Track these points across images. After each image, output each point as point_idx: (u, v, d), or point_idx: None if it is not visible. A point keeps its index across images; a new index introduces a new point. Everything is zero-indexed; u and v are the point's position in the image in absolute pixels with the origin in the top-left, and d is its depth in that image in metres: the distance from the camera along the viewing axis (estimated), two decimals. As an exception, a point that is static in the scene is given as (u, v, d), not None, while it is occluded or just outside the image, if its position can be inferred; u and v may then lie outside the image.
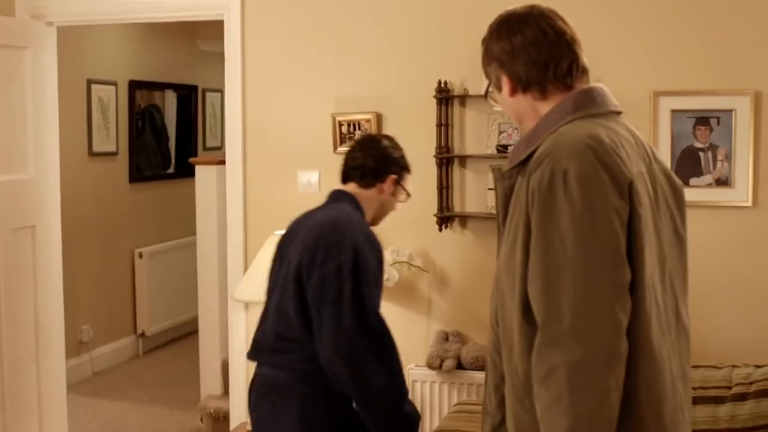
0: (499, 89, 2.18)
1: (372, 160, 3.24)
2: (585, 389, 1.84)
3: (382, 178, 3.23)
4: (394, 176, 3.24)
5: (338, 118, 4.47)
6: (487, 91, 2.28)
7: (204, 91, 8.54)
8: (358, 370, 2.89)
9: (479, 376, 4.21)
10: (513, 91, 2.13)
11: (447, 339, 4.36)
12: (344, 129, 4.47)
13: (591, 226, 1.89)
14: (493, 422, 2.21)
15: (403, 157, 3.32)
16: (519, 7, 2.19)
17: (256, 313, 3.59)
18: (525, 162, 2.06)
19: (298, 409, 2.93)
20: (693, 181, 4.03)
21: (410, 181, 3.36)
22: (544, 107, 2.11)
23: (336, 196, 3.24)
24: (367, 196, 3.23)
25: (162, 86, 7.95)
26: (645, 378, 1.95)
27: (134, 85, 7.46)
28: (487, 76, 2.21)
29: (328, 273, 2.92)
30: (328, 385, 2.92)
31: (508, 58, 2.13)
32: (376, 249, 3.05)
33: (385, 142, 3.33)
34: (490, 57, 2.17)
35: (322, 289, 2.91)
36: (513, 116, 2.22)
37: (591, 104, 2.09)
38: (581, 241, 1.88)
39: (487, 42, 2.18)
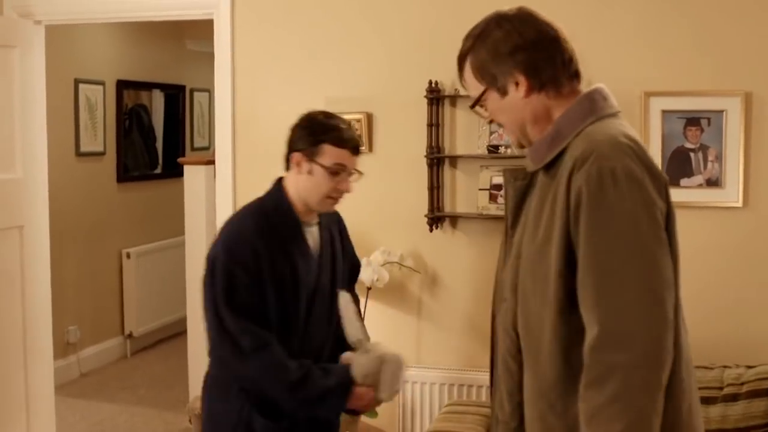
0: (504, 93, 2.11)
1: (287, 139, 3.03)
2: (642, 389, 1.86)
3: (288, 156, 3.00)
4: (298, 153, 2.93)
5: (328, 118, 4.45)
6: (479, 100, 2.17)
7: (192, 91, 8.50)
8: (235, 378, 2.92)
9: (471, 377, 4.20)
10: (529, 91, 2.09)
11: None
12: (335, 129, 4.44)
13: (644, 224, 1.91)
14: (508, 429, 2.19)
15: (316, 130, 2.93)
16: (508, 9, 2.16)
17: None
18: (551, 164, 2.06)
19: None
20: (684, 181, 4.03)
21: (357, 162, 3.02)
22: (557, 108, 2.10)
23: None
24: (290, 179, 3.00)
25: (150, 86, 7.92)
26: (680, 373, 1.99)
27: (122, 85, 7.42)
28: (489, 78, 2.12)
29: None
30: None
31: (526, 56, 2.09)
32: (246, 251, 2.84)
33: (306, 119, 3.01)
34: (499, 56, 2.10)
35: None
36: (517, 120, 2.13)
37: (605, 105, 2.11)
38: (637, 239, 1.90)
39: (491, 42, 2.11)
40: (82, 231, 6.88)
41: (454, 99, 4.30)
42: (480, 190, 4.25)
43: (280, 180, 3.04)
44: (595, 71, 4.06)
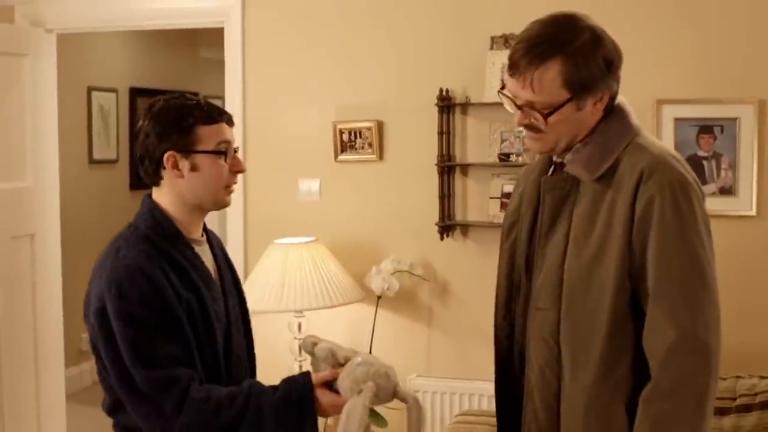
0: (582, 107, 2.05)
1: (140, 149, 2.38)
2: (709, 397, 1.94)
3: (152, 167, 2.36)
4: (169, 152, 2.32)
5: (339, 126, 4.44)
6: (557, 109, 2.03)
7: (205, 99, 8.49)
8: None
9: (481, 386, 4.17)
10: (604, 109, 2.10)
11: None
12: (345, 137, 4.44)
13: (706, 238, 2.02)
14: None
15: (178, 117, 2.33)
16: (583, 15, 2.12)
17: (254, 321, 3.58)
18: (602, 174, 2.07)
19: None
20: (697, 190, 3.99)
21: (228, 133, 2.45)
22: (598, 122, 2.11)
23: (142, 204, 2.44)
24: (164, 192, 2.38)
25: (163, 93, 7.89)
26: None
27: (135, 92, 7.43)
28: (583, 91, 2.03)
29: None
30: None
31: (616, 75, 2.10)
32: (139, 283, 2.21)
33: (158, 111, 2.37)
34: (604, 72, 2.05)
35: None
36: (572, 132, 2.09)
37: (635, 118, 2.16)
38: (705, 252, 2.00)
39: (600, 55, 2.05)
40: (95, 238, 6.86)
41: (465, 107, 4.28)
42: (491, 198, 4.22)
43: (147, 198, 2.41)
44: (607, 79, 4.07)
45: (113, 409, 2.32)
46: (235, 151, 2.41)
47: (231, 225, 4.68)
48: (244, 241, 4.64)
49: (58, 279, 4.99)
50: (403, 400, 2.20)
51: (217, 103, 7.72)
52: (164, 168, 2.32)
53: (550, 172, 2.21)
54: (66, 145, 5.36)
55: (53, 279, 4.93)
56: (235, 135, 4.49)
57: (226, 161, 2.35)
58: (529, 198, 2.23)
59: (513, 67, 2.06)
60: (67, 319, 5.17)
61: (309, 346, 2.32)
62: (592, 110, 2.07)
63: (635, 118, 2.16)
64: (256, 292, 4.00)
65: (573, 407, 2.07)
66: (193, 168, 2.32)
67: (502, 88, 2.14)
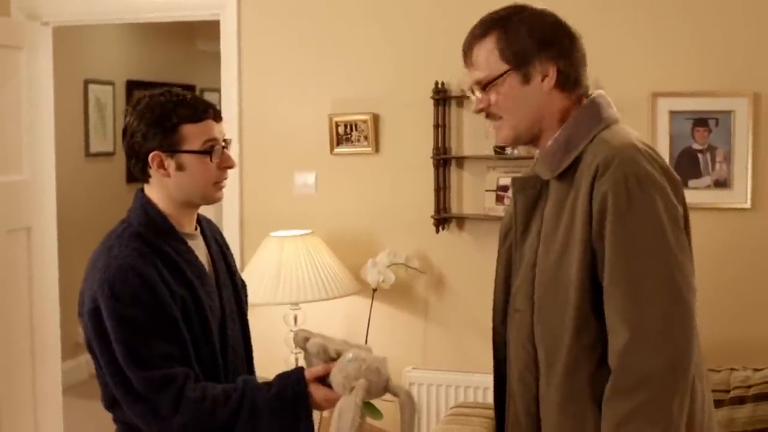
0: (528, 81, 2.07)
1: (126, 147, 2.36)
2: (673, 394, 1.88)
3: (139, 164, 2.35)
4: (154, 152, 2.29)
5: (335, 119, 4.44)
6: (495, 79, 2.07)
7: (202, 91, 8.50)
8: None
9: (477, 378, 4.18)
10: (555, 86, 2.08)
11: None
12: (341, 130, 4.44)
13: (669, 231, 1.93)
14: None
15: (163, 115, 2.28)
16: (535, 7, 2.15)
17: (250, 314, 3.59)
18: (565, 171, 2.05)
19: None
20: (692, 182, 3.99)
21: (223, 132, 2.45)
22: (568, 111, 2.10)
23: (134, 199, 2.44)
24: (154, 188, 2.37)
25: (160, 86, 7.86)
26: (699, 371, 2.04)
27: (132, 85, 7.43)
28: (518, 59, 2.06)
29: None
30: None
31: (562, 50, 2.10)
32: (132, 283, 2.19)
33: (144, 108, 2.33)
34: (539, 40, 2.07)
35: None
36: (529, 114, 2.09)
37: (611, 112, 2.13)
38: (664, 246, 1.92)
39: (531, 23, 2.09)
40: (91, 231, 6.83)
41: (460, 100, 4.28)
42: (487, 191, 4.23)
43: (140, 192, 2.40)
44: (603, 72, 4.04)
45: (112, 404, 2.33)
46: (225, 146, 2.37)
47: (227, 218, 4.68)
48: (240, 234, 4.64)
49: (55, 272, 5.00)
50: (395, 394, 2.19)
51: (214, 96, 7.67)
52: (150, 167, 2.31)
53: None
54: (63, 138, 5.36)
55: (50, 272, 4.94)
56: (231, 128, 4.55)
57: (212, 160, 2.31)
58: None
59: (463, 56, 2.16)
60: (63, 312, 5.17)
61: (301, 341, 2.32)
62: (543, 88, 2.07)
63: (612, 111, 2.13)
64: (252, 285, 3.96)
65: (548, 409, 2.06)
66: (179, 167, 2.30)
67: (470, 90, 2.18)
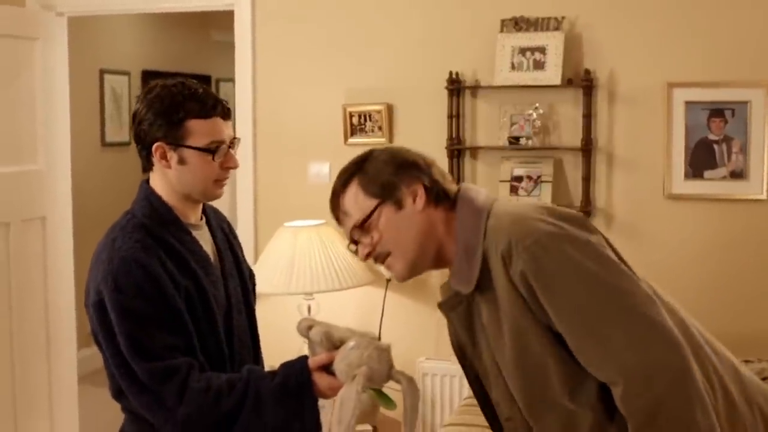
0: (400, 206, 2.08)
1: (134, 134, 2.36)
2: (689, 404, 1.83)
3: (145, 152, 2.33)
4: (158, 143, 2.28)
5: (349, 109, 4.44)
6: (370, 216, 2.08)
7: (218, 81, 8.52)
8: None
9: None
10: (427, 203, 2.09)
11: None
12: (355, 120, 4.43)
13: (593, 266, 1.92)
14: None
15: (170, 107, 2.27)
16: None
17: (264, 304, 3.58)
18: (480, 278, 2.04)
19: None
20: (707, 173, 3.98)
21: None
22: (447, 223, 2.10)
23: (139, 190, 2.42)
24: (157, 179, 2.35)
25: (175, 76, 7.88)
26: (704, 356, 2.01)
27: (147, 75, 7.44)
28: (383, 191, 2.08)
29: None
30: None
31: (418, 171, 2.11)
32: (136, 275, 2.19)
33: (154, 96, 2.32)
34: (396, 167, 2.10)
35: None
36: (412, 237, 2.08)
37: (482, 195, 2.13)
38: (597, 283, 1.91)
39: (384, 158, 2.12)
40: (107, 221, 6.79)
41: (474, 90, 4.27)
42: (501, 181, 4.21)
43: (146, 182, 2.39)
44: (618, 62, 4.06)
45: (119, 394, 2.33)
46: (232, 145, 2.35)
47: (241, 208, 4.69)
48: (254, 224, 4.65)
49: (70, 261, 5.01)
50: (398, 381, 2.18)
51: (229, 86, 7.62)
52: (153, 157, 2.30)
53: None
54: (78, 128, 5.37)
55: (65, 261, 4.95)
56: (245, 118, 4.55)
57: (214, 159, 2.29)
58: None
59: (334, 215, 2.18)
60: (78, 301, 5.19)
61: (304, 329, 2.31)
62: (417, 208, 2.08)
63: (483, 195, 2.12)
64: (265, 275, 4.01)
65: None
66: (181, 161, 2.29)
67: (351, 242, 2.16)
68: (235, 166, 2.36)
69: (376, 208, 2.08)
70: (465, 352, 2.21)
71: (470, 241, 2.04)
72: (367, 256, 2.13)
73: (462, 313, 2.11)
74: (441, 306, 2.18)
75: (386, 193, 2.08)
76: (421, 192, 2.08)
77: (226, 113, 2.34)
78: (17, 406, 4.57)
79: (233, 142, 2.35)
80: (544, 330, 1.95)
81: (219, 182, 2.34)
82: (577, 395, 1.95)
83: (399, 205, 2.08)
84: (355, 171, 2.13)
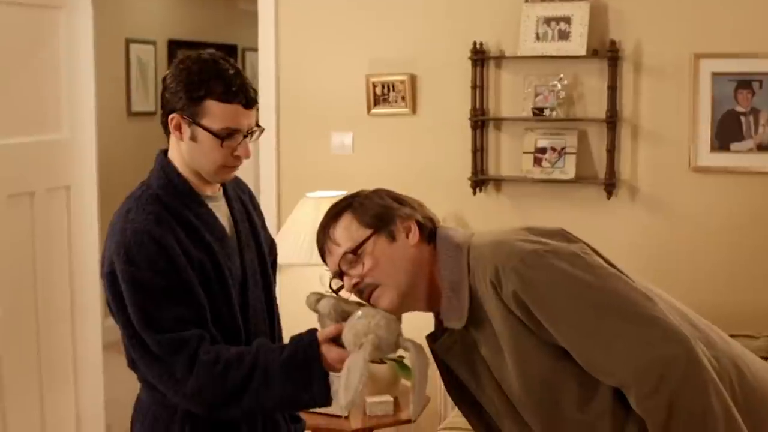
0: (393, 238, 2.09)
1: (160, 98, 2.36)
2: (704, 392, 1.82)
3: (166, 120, 2.32)
4: (176, 114, 2.27)
5: (372, 80, 4.42)
6: (362, 244, 2.08)
7: (244, 51, 8.51)
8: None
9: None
10: (420, 239, 2.10)
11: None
12: (378, 90, 4.42)
13: (581, 272, 1.92)
14: None
15: (194, 81, 2.24)
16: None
17: (286, 274, 3.57)
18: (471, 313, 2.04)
19: None
20: (734, 146, 3.93)
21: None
22: (433, 261, 2.10)
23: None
24: (174, 148, 2.35)
25: (201, 45, 7.93)
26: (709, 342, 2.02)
27: (173, 45, 7.46)
28: (378, 221, 2.10)
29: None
30: None
31: (411, 210, 2.13)
32: (148, 248, 2.20)
33: (182, 67, 2.29)
34: (393, 202, 2.13)
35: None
36: (404, 269, 2.08)
37: (458, 232, 2.15)
38: (588, 288, 1.91)
39: (380, 196, 2.15)
40: (132, 189, 6.94)
41: (498, 60, 4.24)
42: (524, 153, 4.19)
43: (163, 153, 2.38)
44: (644, 33, 4.02)
45: (133, 364, 2.35)
46: (249, 134, 2.30)
47: (264, 178, 4.69)
48: (276, 195, 4.65)
49: (95, 230, 5.03)
50: (406, 348, 2.17)
51: (255, 56, 7.60)
52: (170, 125, 2.29)
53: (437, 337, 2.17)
54: (104, 98, 5.39)
55: (89, 230, 4.97)
56: (268, 87, 4.53)
57: (222, 146, 2.25)
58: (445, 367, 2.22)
59: (320, 249, 2.19)
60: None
61: (313, 302, 2.30)
62: (410, 242, 2.09)
63: (459, 231, 2.14)
64: (288, 245, 4.01)
65: None
66: (193, 138, 2.26)
67: (336, 274, 2.16)
68: (246, 156, 2.31)
69: (369, 237, 2.08)
70: (465, 391, 2.19)
71: (454, 278, 2.05)
72: (354, 286, 2.12)
73: (459, 352, 2.11)
74: (435, 352, 2.17)
75: (380, 224, 2.10)
76: (414, 228, 2.10)
77: (250, 102, 2.28)
78: (42, 375, 4.61)
79: (252, 132, 2.31)
80: (548, 348, 1.94)
81: (226, 168, 2.31)
82: (592, 406, 1.93)
83: (392, 237, 2.09)
84: (347, 205, 2.15)
